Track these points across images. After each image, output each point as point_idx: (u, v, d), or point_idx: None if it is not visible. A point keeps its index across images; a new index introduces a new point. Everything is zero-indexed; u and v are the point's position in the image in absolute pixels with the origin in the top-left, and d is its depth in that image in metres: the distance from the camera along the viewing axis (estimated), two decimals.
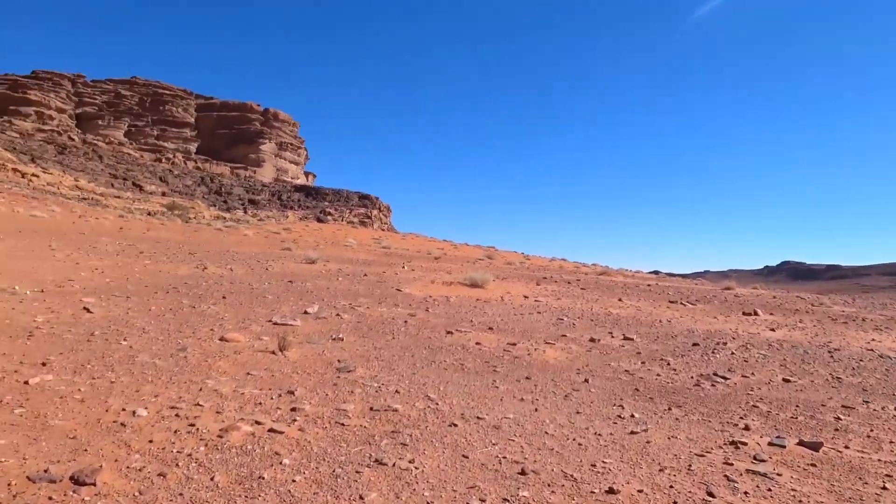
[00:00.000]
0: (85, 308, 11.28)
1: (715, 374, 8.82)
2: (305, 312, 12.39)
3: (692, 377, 8.71)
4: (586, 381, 8.12)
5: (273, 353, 8.56)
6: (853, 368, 10.02)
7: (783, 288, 46.92)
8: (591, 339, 11.25)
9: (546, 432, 5.90)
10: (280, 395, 6.56)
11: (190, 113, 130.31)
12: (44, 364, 7.33)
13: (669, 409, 7.05)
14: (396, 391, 6.93)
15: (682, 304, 19.55)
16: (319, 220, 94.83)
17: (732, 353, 10.71)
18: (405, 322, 12.07)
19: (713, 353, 10.65)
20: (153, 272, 18.38)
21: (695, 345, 11.40)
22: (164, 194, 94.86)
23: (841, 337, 13.86)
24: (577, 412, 6.66)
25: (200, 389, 6.64)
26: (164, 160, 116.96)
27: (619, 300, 19.13)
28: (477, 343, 10.23)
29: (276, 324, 10.89)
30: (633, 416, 6.65)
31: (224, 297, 13.95)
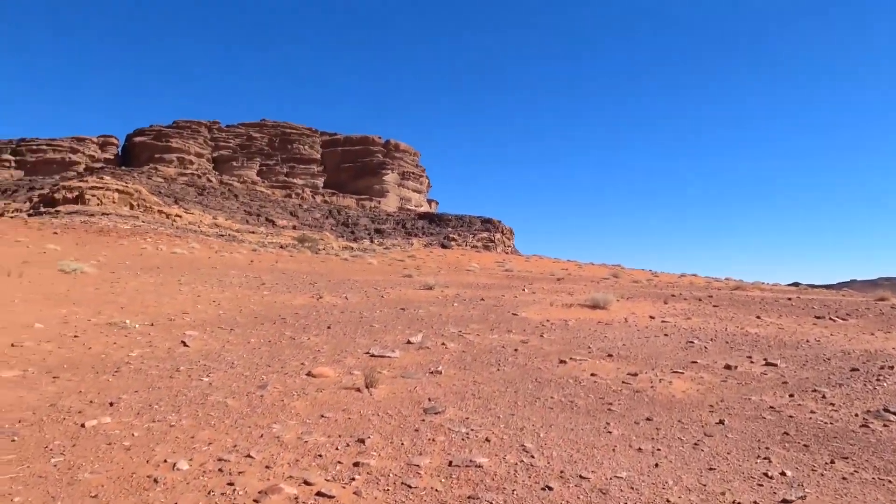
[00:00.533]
0: (183, 342, 11.11)
1: (886, 410, 7.17)
2: (408, 342, 11.67)
3: (857, 415, 7.14)
4: (721, 422, 6.75)
5: (358, 390, 7.82)
6: None
7: None
8: (727, 366, 9.80)
9: (668, 501, 4.70)
10: (347, 445, 5.75)
11: (316, 149, 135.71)
12: (111, 404, 7.00)
13: (832, 462, 5.57)
14: (487, 439, 5.95)
15: (830, 319, 17.42)
16: (443, 247, 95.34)
17: None
18: (515, 350, 11.09)
19: (878, 380, 8.97)
20: (268, 303, 18.36)
21: (854, 370, 9.72)
22: (294, 228, 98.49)
23: None
24: (710, 468, 5.36)
25: (261, 436, 5.97)
26: (293, 195, 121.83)
27: (757, 317, 17.27)
28: (592, 374, 9.06)
29: (373, 356, 10.21)
30: (783, 473, 5.25)
31: (329, 328, 13.52)
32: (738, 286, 36.25)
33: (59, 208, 70.42)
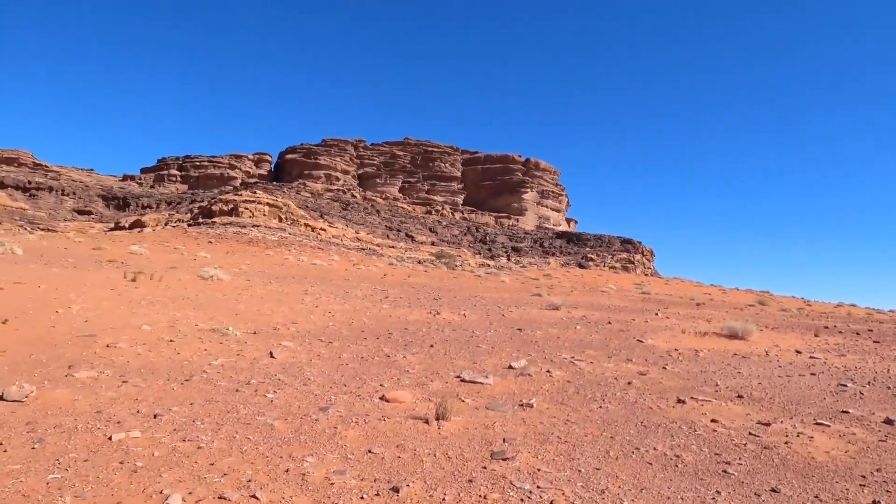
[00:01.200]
0: (271, 353, 10.70)
1: None
2: (510, 367, 10.63)
3: None
4: (875, 503, 5.21)
5: (426, 421, 6.90)
6: None
7: None
8: (887, 421, 8.02)
9: None
10: (377, 494, 4.85)
11: (456, 167, 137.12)
12: (155, 416, 6.60)
13: None
14: (552, 502, 4.85)
15: None
16: (581, 266, 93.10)
17: None
18: (628, 384, 9.78)
19: None
20: (383, 317, 17.90)
21: None
22: (433, 244, 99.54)
23: None
24: None
25: (286, 471, 5.22)
26: (433, 212, 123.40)
27: None
28: (713, 420, 7.62)
29: (463, 381, 9.26)
30: None
31: (432, 346, 12.73)
32: None
33: (215, 219, 74.63)
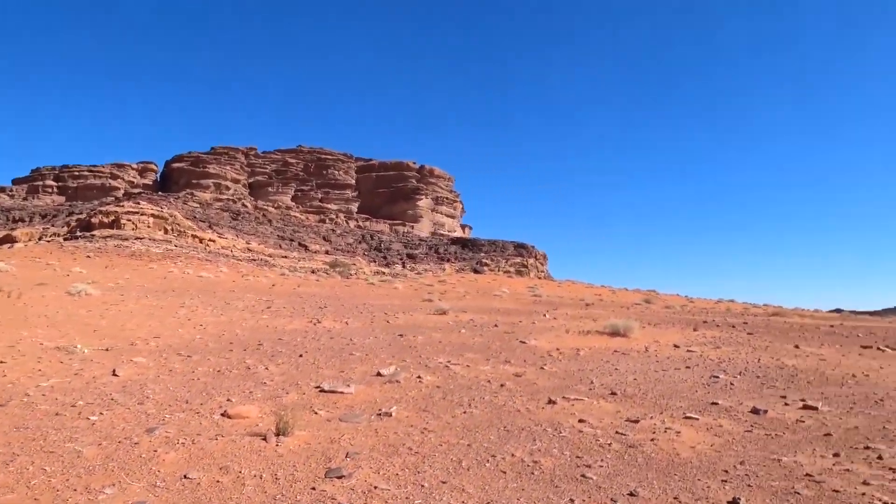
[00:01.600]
0: (114, 371, 9.67)
1: None
2: (378, 374, 9.99)
3: None
4: (735, 501, 4.84)
5: (265, 438, 6.15)
6: None
7: None
8: (754, 410, 7.91)
9: None
10: None
11: (350, 175, 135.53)
12: None
13: None
14: None
15: (878, 349, 15.39)
16: (476, 272, 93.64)
17: None
18: (501, 386, 9.34)
19: None
20: (260, 327, 16.90)
21: None
22: (327, 253, 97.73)
23: None
24: None
25: None
26: (327, 220, 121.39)
27: (796, 347, 15.27)
28: (581, 420, 7.23)
29: (322, 391, 8.53)
30: None
31: (301, 356, 11.94)
32: (776, 312, 33.95)
33: (94, 233, 70.44)
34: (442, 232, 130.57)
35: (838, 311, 50.39)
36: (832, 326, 22.07)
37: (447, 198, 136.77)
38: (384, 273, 78.91)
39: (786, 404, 8.39)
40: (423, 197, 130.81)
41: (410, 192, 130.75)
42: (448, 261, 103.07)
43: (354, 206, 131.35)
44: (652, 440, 6.42)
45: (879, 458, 5.89)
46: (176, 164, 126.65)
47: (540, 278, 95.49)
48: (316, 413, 7.21)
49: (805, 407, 8.17)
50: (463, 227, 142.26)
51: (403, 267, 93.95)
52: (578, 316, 24.47)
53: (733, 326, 20.85)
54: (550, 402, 8.19)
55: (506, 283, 69.45)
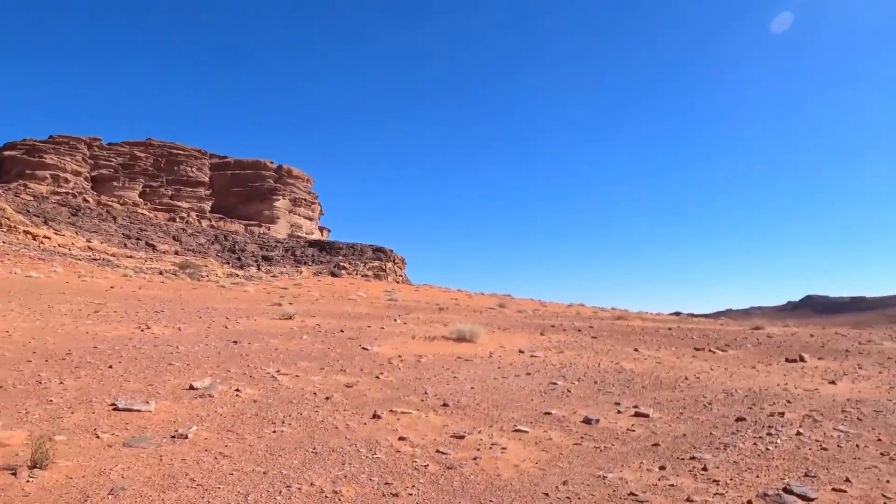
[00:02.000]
0: None
1: (788, 491, 5.08)
2: (191, 387, 8.93)
3: (749, 501, 4.98)
4: None
5: (14, 473, 5.06)
6: None
7: (812, 324, 42.89)
8: (586, 420, 7.62)
9: None
10: None
11: (204, 172, 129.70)
12: None
13: None
14: None
15: (710, 350, 16.01)
16: (333, 275, 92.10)
17: (799, 433, 7.11)
18: (327, 399, 8.58)
19: (770, 434, 7.06)
20: (78, 334, 15.15)
21: (739, 420, 7.82)
22: (177, 253, 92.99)
23: None
24: None
25: None
26: (178, 219, 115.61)
27: (635, 350, 15.57)
28: (401, 438, 6.59)
29: (116, 409, 7.40)
30: None
31: (111, 366, 10.60)
32: (620, 316, 35.21)
33: None
34: (300, 234, 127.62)
35: (677, 314, 53.23)
36: (670, 329, 22.93)
37: (306, 199, 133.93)
38: (238, 275, 75.88)
39: (618, 412, 8.20)
40: (281, 197, 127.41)
41: (267, 192, 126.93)
42: (305, 264, 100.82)
43: (208, 205, 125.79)
44: (474, 459, 5.87)
45: (704, 468, 5.67)
46: (7, 152, 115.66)
47: (398, 282, 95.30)
48: (98, 437, 6.15)
49: (637, 414, 8.01)
50: (321, 229, 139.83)
51: (259, 269, 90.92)
52: (430, 321, 24.11)
53: (579, 330, 21.17)
54: (375, 416, 7.53)
55: (363, 287, 68.62)
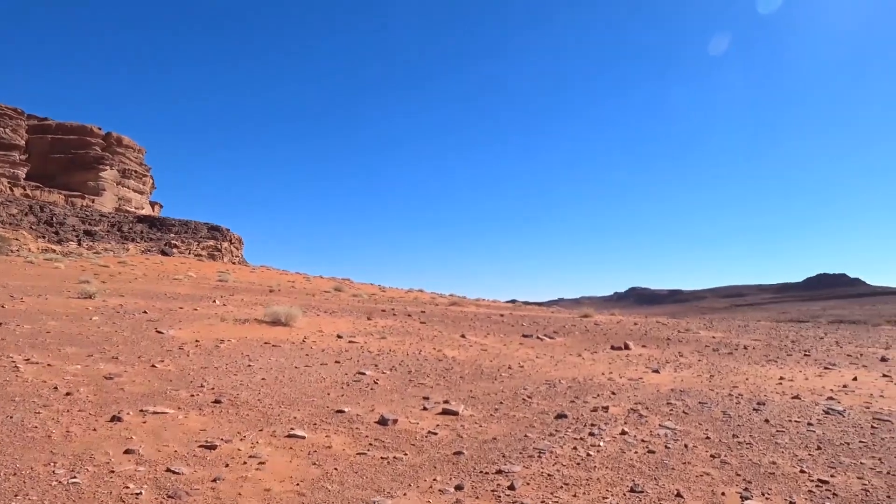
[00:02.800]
0: None
1: None
2: None
3: None
4: None
5: None
6: (817, 444, 5.89)
7: (636, 313, 45.14)
8: (382, 420, 6.31)
9: None
10: None
11: (20, 134, 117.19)
12: None
13: None
14: None
15: (538, 338, 15.47)
16: (164, 254, 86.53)
17: (624, 433, 6.23)
18: (67, 395, 6.73)
19: (592, 434, 6.13)
20: None
21: (560, 417, 6.86)
22: None
23: (741, 377, 10.78)
24: None
25: None
26: None
27: (462, 336, 14.70)
28: (127, 451, 4.90)
29: None
30: None
31: None
32: (455, 302, 34.82)
33: None
34: (128, 208, 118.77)
35: (513, 301, 54.07)
36: (502, 316, 22.45)
37: (136, 171, 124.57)
38: (55, 251, 69.32)
39: (424, 409, 7.00)
40: (108, 168, 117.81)
41: (93, 161, 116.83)
42: (133, 241, 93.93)
43: (23, 172, 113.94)
44: (214, 482, 4.33)
45: (511, 487, 4.51)
46: None
47: (234, 263, 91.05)
48: None
49: (445, 412, 6.84)
50: (153, 204, 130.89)
51: (80, 245, 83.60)
52: (254, 303, 22.24)
53: (409, 315, 20.14)
54: (115, 418, 5.83)
55: (194, 267, 64.79)
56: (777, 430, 6.60)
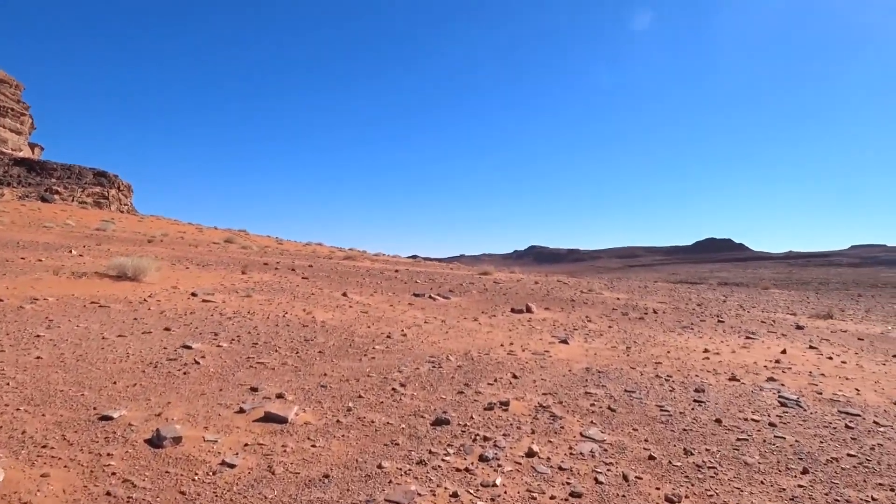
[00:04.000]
0: None
1: None
2: None
3: None
4: None
5: None
6: (798, 462, 4.04)
7: (535, 271, 44.22)
8: (155, 439, 3.92)
9: None
10: None
11: None
12: None
13: None
14: None
15: (431, 297, 13.55)
16: (44, 200, 79.91)
17: (531, 452, 4.16)
18: None
19: (484, 459, 4.03)
20: None
21: (439, 423, 4.71)
22: None
23: (661, 349, 9.30)
24: None
25: None
26: None
27: (343, 295, 12.58)
28: None
29: None
30: None
31: None
32: (350, 256, 32.53)
33: None
34: (4, 150, 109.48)
35: (414, 257, 52.20)
36: (396, 271, 20.46)
37: (13, 109, 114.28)
38: None
39: (242, 409, 4.70)
40: None
41: None
42: (9, 185, 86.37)
43: None
44: None
45: None
46: None
47: (123, 212, 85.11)
48: None
49: (267, 417, 4.52)
50: (32, 146, 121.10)
51: None
52: (122, 253, 19.24)
53: (293, 269, 17.81)
54: None
55: (76, 215, 59.65)
56: (737, 438, 4.76)
